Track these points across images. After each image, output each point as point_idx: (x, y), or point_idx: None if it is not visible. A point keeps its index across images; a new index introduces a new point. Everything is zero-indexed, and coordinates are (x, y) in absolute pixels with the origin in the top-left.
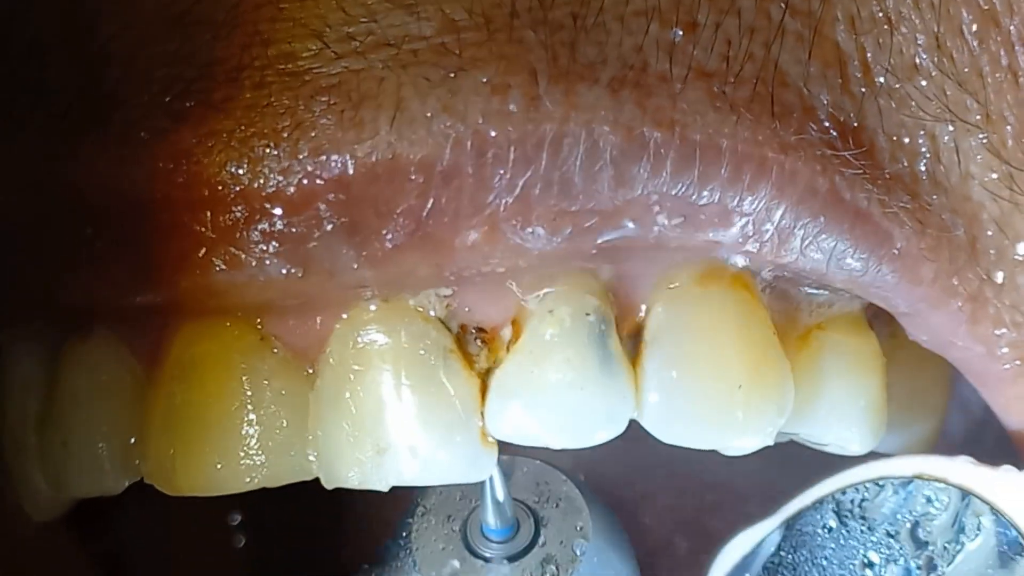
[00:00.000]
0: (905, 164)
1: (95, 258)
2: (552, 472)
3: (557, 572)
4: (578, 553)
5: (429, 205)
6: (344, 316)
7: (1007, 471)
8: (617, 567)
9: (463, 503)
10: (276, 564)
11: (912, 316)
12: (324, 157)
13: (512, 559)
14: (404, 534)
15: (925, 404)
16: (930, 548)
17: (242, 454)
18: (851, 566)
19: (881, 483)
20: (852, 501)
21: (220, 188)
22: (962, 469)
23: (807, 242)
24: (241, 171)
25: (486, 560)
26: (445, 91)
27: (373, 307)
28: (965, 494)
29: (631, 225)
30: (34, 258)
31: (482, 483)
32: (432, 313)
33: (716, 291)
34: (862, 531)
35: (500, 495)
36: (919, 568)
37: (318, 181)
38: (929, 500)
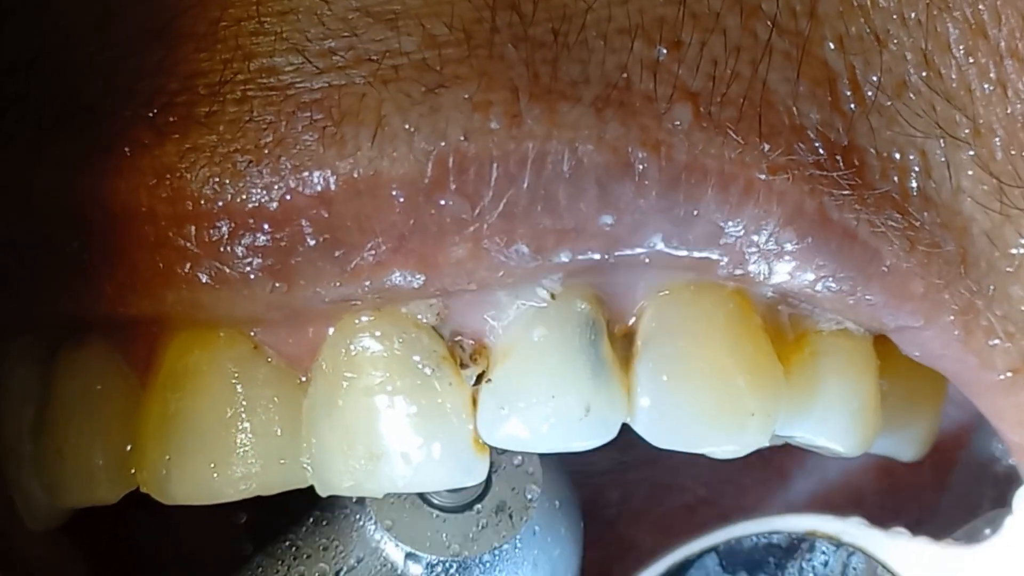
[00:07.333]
0: (896, 181)
1: (82, 271)
2: None
3: (511, 519)
4: (530, 498)
5: (411, 222)
6: (336, 325)
7: (899, 534)
8: (568, 513)
9: None
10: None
11: (903, 332)
12: (306, 173)
13: (466, 507)
14: None
15: (920, 406)
16: None
17: (236, 462)
18: None
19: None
20: None
21: (203, 203)
22: (855, 529)
23: (794, 263)
24: (224, 186)
25: (441, 509)
26: (426, 108)
27: (365, 317)
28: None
29: (616, 244)
30: (22, 270)
31: None
32: (424, 320)
33: (707, 295)
34: None
35: None
36: None
37: (300, 197)
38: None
